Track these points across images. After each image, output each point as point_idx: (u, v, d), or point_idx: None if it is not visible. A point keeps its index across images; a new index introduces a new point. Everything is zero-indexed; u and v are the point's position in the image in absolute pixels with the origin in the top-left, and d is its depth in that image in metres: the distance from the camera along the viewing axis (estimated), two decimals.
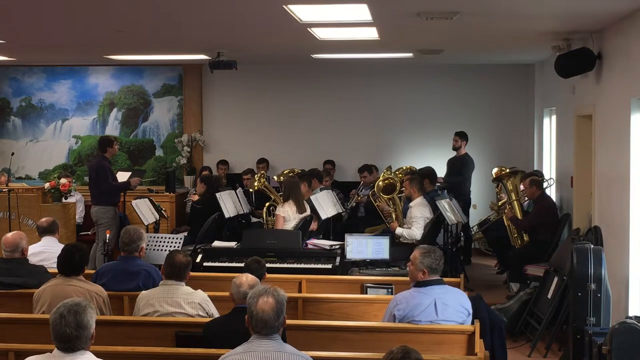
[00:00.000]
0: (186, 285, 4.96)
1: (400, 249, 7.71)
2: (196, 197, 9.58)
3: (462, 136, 10.44)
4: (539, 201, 8.43)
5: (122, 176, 9.51)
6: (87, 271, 5.36)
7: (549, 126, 10.35)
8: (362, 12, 6.26)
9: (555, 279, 6.92)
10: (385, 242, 7.14)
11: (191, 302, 4.84)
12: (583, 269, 5.80)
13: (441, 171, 10.39)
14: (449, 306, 4.64)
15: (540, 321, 6.86)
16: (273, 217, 8.48)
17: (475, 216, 10.79)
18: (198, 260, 7.10)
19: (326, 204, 8.41)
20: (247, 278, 4.51)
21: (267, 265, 5.40)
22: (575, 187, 8.35)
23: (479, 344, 4.45)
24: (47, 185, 8.97)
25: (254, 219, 9.61)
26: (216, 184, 9.30)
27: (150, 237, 7.05)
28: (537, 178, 8.70)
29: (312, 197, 8.32)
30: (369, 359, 4.17)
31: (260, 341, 3.51)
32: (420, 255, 4.72)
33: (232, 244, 7.54)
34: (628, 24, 6.42)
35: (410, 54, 9.78)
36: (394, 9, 6.28)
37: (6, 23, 7.13)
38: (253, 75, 11.68)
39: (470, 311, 4.75)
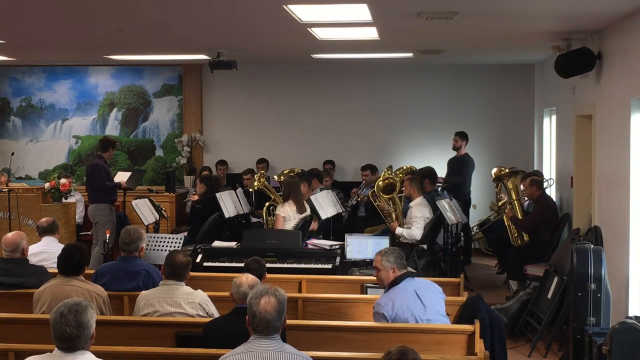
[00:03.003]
0: (186, 285, 4.96)
1: (400, 249, 7.70)
2: (196, 197, 9.58)
3: (462, 136, 10.44)
4: (539, 201, 8.43)
5: (122, 176, 9.52)
6: (87, 271, 5.35)
7: (549, 126, 10.35)
8: (362, 12, 6.26)
9: (555, 279, 6.92)
10: (385, 242, 7.13)
11: (191, 302, 4.84)
12: (583, 269, 5.80)
13: (441, 171, 10.39)
14: (428, 292, 4.79)
15: (540, 321, 6.86)
16: (273, 217, 8.49)
17: (475, 216, 10.80)
18: (198, 260, 7.10)
19: (326, 204, 8.41)
20: (247, 278, 4.51)
21: (267, 265, 5.40)
22: (575, 187, 8.35)
23: (479, 344, 4.45)
24: (47, 185, 8.97)
25: (254, 219, 9.61)
26: (216, 184, 9.30)
27: (150, 237, 7.05)
28: (537, 178, 8.70)
29: (312, 197, 8.32)
30: (368, 359, 4.17)
31: (260, 341, 3.50)
32: (382, 256, 4.89)
33: (232, 244, 7.53)
34: (628, 24, 6.42)
35: (410, 54, 9.78)
36: (394, 9, 6.28)
37: (6, 23, 7.13)
38: (253, 75, 11.69)
39: (444, 295, 4.97)
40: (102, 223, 8.81)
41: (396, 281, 4.79)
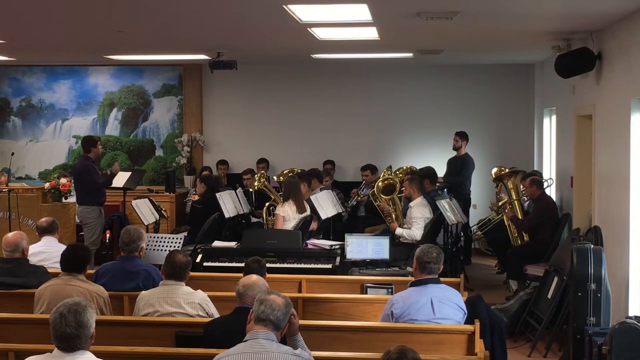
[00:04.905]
0: (186, 285, 4.96)
1: (400, 249, 7.71)
2: (196, 197, 9.58)
3: (462, 136, 10.44)
4: (540, 201, 8.43)
5: (122, 176, 9.53)
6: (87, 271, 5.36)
7: (549, 126, 10.35)
8: (362, 12, 6.26)
9: (555, 279, 6.92)
10: (385, 242, 7.14)
11: (191, 302, 4.84)
12: (583, 269, 5.80)
13: (441, 171, 10.38)
14: (446, 304, 4.68)
15: (540, 321, 6.86)
16: (273, 217, 8.49)
17: (475, 216, 10.79)
18: (198, 260, 7.10)
19: (326, 204, 8.41)
20: (253, 278, 4.44)
21: (267, 265, 5.39)
22: (575, 187, 8.35)
23: (479, 344, 4.45)
24: (47, 185, 8.97)
25: (254, 219, 9.61)
26: (216, 184, 9.30)
27: (150, 237, 7.04)
28: (537, 178, 8.70)
29: (312, 197, 8.32)
30: (368, 359, 4.17)
31: (256, 341, 3.49)
32: (418, 250, 4.81)
33: (232, 244, 7.53)
34: (628, 24, 6.43)
35: (410, 54, 9.78)
36: (394, 9, 6.28)
37: (6, 23, 7.13)
38: (253, 75, 11.69)
39: (466, 311, 4.79)
40: (92, 225, 8.83)
41: (418, 282, 4.75)
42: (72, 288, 4.95)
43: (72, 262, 5.12)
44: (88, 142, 9.19)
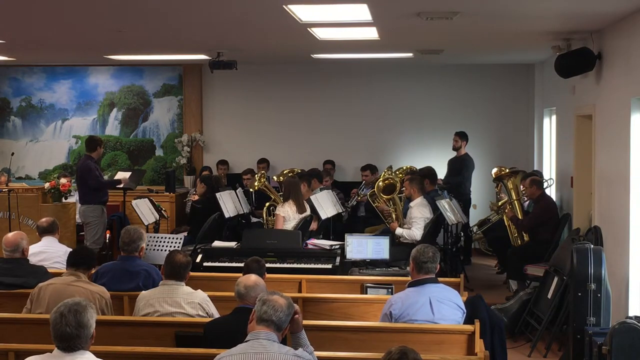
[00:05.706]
0: (186, 285, 4.96)
1: (400, 249, 7.70)
2: (196, 197, 9.58)
3: (462, 136, 10.44)
4: (540, 201, 8.43)
5: (122, 176, 9.53)
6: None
7: (549, 126, 10.36)
8: (362, 12, 6.26)
9: (555, 279, 6.92)
10: (385, 242, 7.14)
11: (191, 302, 4.84)
12: (583, 269, 5.80)
13: (441, 171, 10.38)
14: (444, 304, 4.68)
15: (540, 321, 6.86)
16: (273, 217, 8.49)
17: (475, 216, 10.79)
18: (198, 260, 7.10)
19: (326, 204, 8.41)
20: (252, 277, 4.46)
21: (267, 265, 5.39)
22: (575, 187, 8.35)
23: (479, 344, 4.45)
24: (47, 185, 8.97)
25: (254, 219, 9.61)
26: (216, 184, 9.30)
27: (150, 237, 7.05)
28: (537, 178, 8.70)
29: (312, 197, 8.32)
30: (368, 359, 4.17)
31: (257, 341, 3.50)
32: (413, 251, 4.81)
33: (232, 244, 7.54)
34: (628, 24, 6.43)
35: (410, 54, 9.78)
36: (394, 9, 6.28)
37: (6, 23, 7.13)
38: (253, 75, 11.69)
39: (465, 310, 4.79)
40: (94, 224, 8.83)
41: (416, 283, 4.74)
42: (74, 289, 4.95)
43: (79, 258, 5.18)
44: (92, 142, 9.22)
